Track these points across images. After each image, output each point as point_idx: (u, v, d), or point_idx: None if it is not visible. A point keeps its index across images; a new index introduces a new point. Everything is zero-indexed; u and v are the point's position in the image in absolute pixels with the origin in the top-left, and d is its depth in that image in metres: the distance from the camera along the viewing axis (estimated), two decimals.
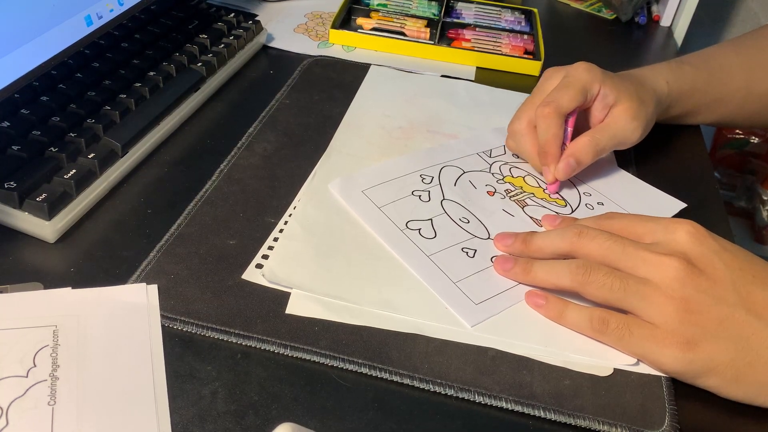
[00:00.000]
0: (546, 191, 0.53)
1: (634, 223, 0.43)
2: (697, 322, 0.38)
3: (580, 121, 0.55)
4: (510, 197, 0.52)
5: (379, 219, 0.49)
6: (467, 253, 0.47)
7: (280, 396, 0.37)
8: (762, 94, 0.62)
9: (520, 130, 0.55)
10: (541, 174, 0.54)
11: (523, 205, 0.51)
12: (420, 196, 0.51)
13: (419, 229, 0.48)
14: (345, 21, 0.78)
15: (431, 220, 0.49)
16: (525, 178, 0.55)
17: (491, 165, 0.56)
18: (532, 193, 0.53)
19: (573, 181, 0.55)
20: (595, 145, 0.53)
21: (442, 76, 0.70)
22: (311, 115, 0.60)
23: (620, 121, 0.53)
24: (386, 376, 0.38)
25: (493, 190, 0.53)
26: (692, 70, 0.60)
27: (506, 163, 0.56)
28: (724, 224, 0.54)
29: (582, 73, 0.53)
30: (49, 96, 0.52)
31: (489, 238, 0.48)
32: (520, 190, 0.53)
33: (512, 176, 0.55)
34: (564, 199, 0.53)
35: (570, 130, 0.54)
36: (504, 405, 0.37)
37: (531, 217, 0.50)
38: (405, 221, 0.49)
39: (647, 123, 0.55)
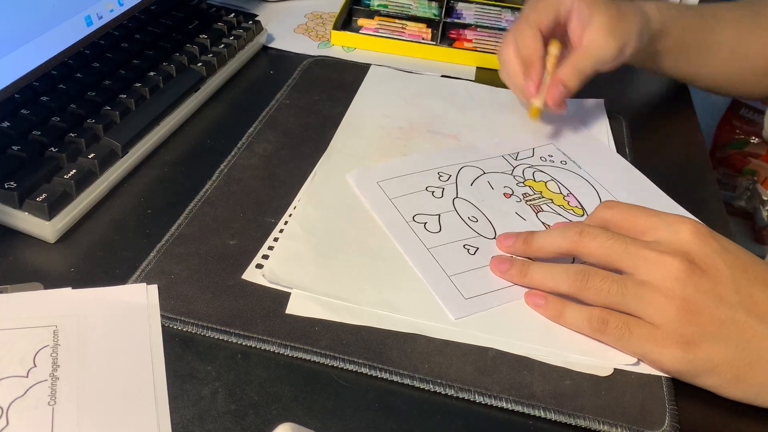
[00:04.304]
0: (566, 198, 0.53)
1: (636, 215, 0.42)
2: (698, 323, 0.37)
3: (565, 56, 0.58)
4: (526, 201, 0.52)
5: (388, 209, 0.49)
6: (468, 250, 0.47)
7: (280, 396, 0.37)
8: (749, 55, 0.64)
9: (508, 54, 0.58)
10: (528, 100, 0.57)
11: (537, 210, 0.51)
12: (433, 192, 0.51)
13: (425, 223, 0.48)
14: (346, 22, 0.78)
15: (439, 215, 0.49)
16: (547, 183, 0.54)
17: (515, 167, 0.56)
18: (551, 199, 0.53)
19: (596, 188, 0.54)
20: (576, 66, 0.55)
21: (442, 76, 0.70)
22: (311, 116, 0.60)
23: (595, 39, 0.56)
24: (386, 376, 0.38)
25: (510, 192, 0.53)
26: (684, 9, 0.63)
27: (531, 167, 0.56)
28: (724, 224, 0.54)
29: None
30: (49, 96, 0.52)
31: (494, 238, 0.48)
32: (539, 195, 0.53)
33: (534, 180, 0.54)
34: (582, 208, 0.52)
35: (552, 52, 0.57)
36: (504, 405, 0.37)
37: (543, 223, 0.50)
38: (412, 214, 0.49)
39: (627, 38, 0.57)
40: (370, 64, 0.69)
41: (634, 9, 0.58)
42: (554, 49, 0.57)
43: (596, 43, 0.55)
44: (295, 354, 0.39)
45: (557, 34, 0.58)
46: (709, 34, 0.62)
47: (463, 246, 0.47)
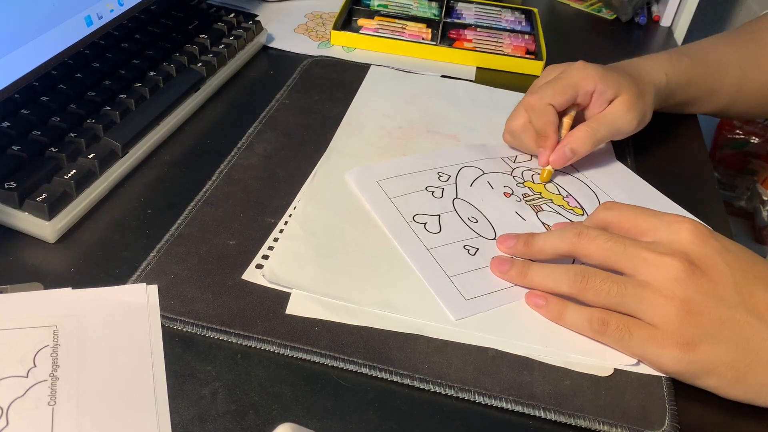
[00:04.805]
0: (565, 198, 0.53)
1: (636, 216, 0.42)
2: (698, 324, 0.37)
3: (579, 120, 0.56)
4: (526, 201, 0.52)
5: (388, 209, 0.49)
6: (468, 250, 0.47)
7: (280, 396, 0.37)
8: (755, 88, 0.64)
9: (518, 126, 0.56)
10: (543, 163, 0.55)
11: (537, 210, 0.51)
12: (433, 192, 0.51)
13: (425, 223, 0.48)
14: (346, 22, 0.78)
15: (439, 215, 0.49)
16: (546, 185, 0.54)
17: (514, 169, 0.56)
18: (550, 200, 0.53)
19: (595, 191, 0.54)
20: (593, 134, 0.54)
21: (442, 76, 0.70)
22: (311, 116, 0.60)
23: (617, 111, 0.55)
24: (386, 376, 0.38)
25: (510, 192, 0.53)
26: (691, 63, 0.62)
27: (529, 170, 0.56)
28: (724, 224, 0.54)
29: (575, 71, 0.55)
30: (49, 96, 0.52)
31: (494, 238, 0.48)
32: (539, 195, 0.53)
33: (533, 182, 0.54)
34: (582, 208, 0.52)
35: (565, 121, 0.55)
36: (504, 405, 0.37)
37: (543, 223, 0.50)
38: (412, 214, 0.49)
39: (644, 114, 0.56)
40: (370, 64, 0.69)
41: (649, 84, 0.57)
42: (571, 113, 0.56)
43: (619, 115, 0.54)
44: (295, 354, 0.39)
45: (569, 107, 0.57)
46: (715, 81, 0.63)
47: (464, 246, 0.47)
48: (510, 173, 0.55)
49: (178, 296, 0.42)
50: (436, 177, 0.53)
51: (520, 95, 0.66)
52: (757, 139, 1.29)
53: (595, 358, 0.40)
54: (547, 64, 0.71)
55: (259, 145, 0.56)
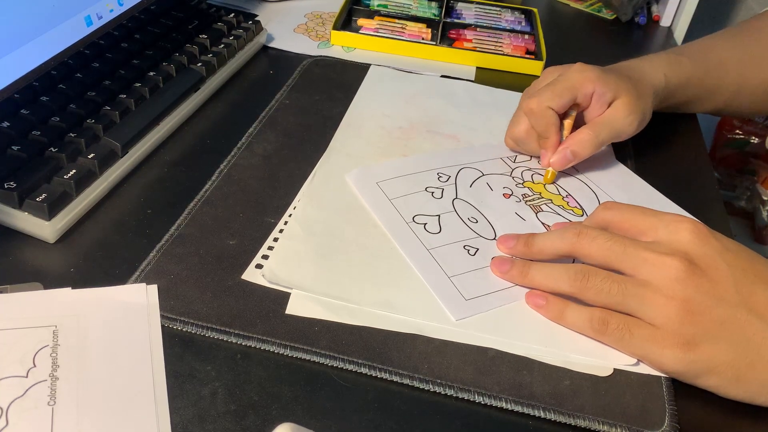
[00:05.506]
0: (565, 199, 0.53)
1: (636, 216, 0.42)
2: (698, 323, 0.37)
3: (579, 121, 0.55)
4: (526, 201, 0.52)
5: (388, 210, 0.49)
6: (468, 251, 0.47)
7: (280, 396, 0.37)
8: (754, 87, 0.64)
9: (521, 133, 0.56)
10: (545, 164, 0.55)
11: (537, 210, 0.51)
12: (433, 192, 0.51)
13: (425, 224, 0.48)
14: (345, 22, 0.78)
15: (439, 216, 0.49)
16: (545, 185, 0.55)
17: (513, 169, 0.56)
18: (550, 200, 0.53)
19: (595, 191, 0.54)
20: (594, 137, 0.54)
21: (442, 76, 0.70)
22: (311, 115, 0.60)
23: (617, 114, 0.55)
24: (386, 376, 0.38)
25: (510, 193, 0.53)
26: (690, 64, 0.61)
27: (529, 169, 0.56)
28: (724, 224, 0.54)
29: (574, 73, 0.55)
30: (49, 96, 0.52)
31: (494, 238, 0.48)
32: (538, 196, 0.53)
33: (533, 182, 0.54)
34: (581, 208, 0.52)
35: (567, 123, 0.55)
36: (504, 405, 0.37)
37: (543, 223, 0.50)
38: (412, 215, 0.49)
39: (643, 116, 0.56)
40: (369, 64, 0.69)
41: (648, 85, 0.57)
42: (572, 114, 0.56)
43: (619, 117, 0.54)
44: (295, 354, 0.39)
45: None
46: (715, 81, 0.63)
47: (463, 247, 0.47)
48: (509, 174, 0.55)
49: (177, 296, 0.42)
50: (435, 178, 0.53)
51: (520, 95, 0.66)
52: (757, 138, 1.28)
53: (595, 358, 0.40)
54: (547, 64, 0.71)
55: (259, 145, 0.56)
